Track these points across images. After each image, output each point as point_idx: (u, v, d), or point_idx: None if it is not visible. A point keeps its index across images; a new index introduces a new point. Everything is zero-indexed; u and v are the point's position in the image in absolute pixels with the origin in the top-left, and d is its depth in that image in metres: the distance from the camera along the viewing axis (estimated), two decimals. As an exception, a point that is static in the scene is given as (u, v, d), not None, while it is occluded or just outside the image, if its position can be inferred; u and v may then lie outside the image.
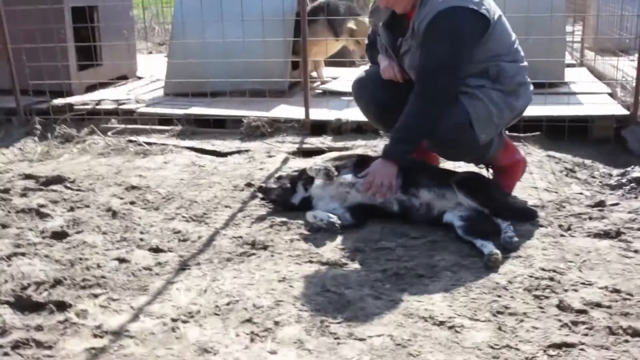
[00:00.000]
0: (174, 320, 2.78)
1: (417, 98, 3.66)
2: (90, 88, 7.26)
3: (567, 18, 7.17)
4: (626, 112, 5.56)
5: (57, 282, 3.12)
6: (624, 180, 4.47)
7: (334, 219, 3.69)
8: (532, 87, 3.92)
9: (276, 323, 2.72)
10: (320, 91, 6.88)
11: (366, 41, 4.42)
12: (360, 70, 4.55)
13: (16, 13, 6.44)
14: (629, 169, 4.61)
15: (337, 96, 6.52)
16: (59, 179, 4.64)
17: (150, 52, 11.48)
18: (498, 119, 3.74)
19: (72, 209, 4.12)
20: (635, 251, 3.35)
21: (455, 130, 3.67)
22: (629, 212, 3.88)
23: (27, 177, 4.77)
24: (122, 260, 3.38)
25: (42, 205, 4.13)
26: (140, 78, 8.12)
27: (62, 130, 6.04)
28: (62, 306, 2.91)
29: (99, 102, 6.68)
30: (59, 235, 3.72)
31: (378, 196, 3.68)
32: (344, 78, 7.20)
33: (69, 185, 4.57)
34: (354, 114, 5.46)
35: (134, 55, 8.39)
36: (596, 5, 8.28)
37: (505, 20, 3.80)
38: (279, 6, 6.42)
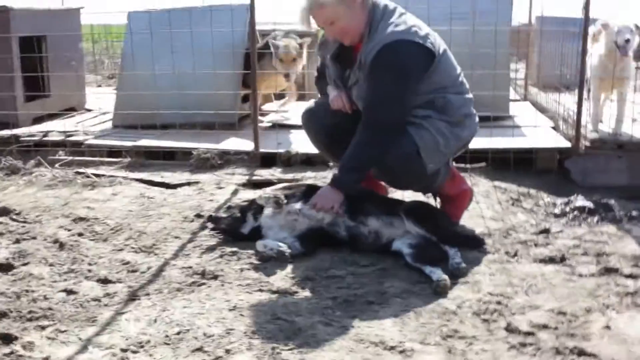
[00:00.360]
0: (123, 350, 2.73)
1: (364, 128, 3.73)
2: (38, 120, 7.16)
3: (510, 55, 7.37)
4: (568, 145, 5.73)
5: (3, 315, 3.04)
6: (567, 209, 4.59)
7: (284, 247, 3.70)
8: (477, 119, 4.02)
9: (227, 351, 2.70)
10: (269, 124, 6.91)
11: (315, 73, 4.48)
12: (309, 103, 4.61)
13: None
14: (572, 198, 4.74)
15: (286, 129, 6.57)
16: (4, 211, 4.54)
17: (100, 85, 11.40)
18: (445, 148, 3.82)
19: (17, 241, 4.04)
20: (580, 275, 3.44)
21: (403, 159, 3.74)
22: (573, 239, 3.99)
23: (-28, 209, 4.67)
24: (69, 292, 3.32)
25: (-14, 238, 4.05)
26: (89, 110, 8.05)
27: (7, 162, 5.92)
28: (7, 338, 2.83)
29: (46, 134, 6.60)
30: (5, 268, 3.63)
31: (322, 213, 3.73)
32: (292, 111, 7.26)
33: (14, 217, 4.48)
34: (303, 146, 5.51)
35: (83, 87, 8.33)
36: (538, 43, 8.55)
37: (450, 54, 3.90)
38: (229, 39, 6.47)
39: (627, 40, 5.57)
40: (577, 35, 6.08)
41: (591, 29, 5.82)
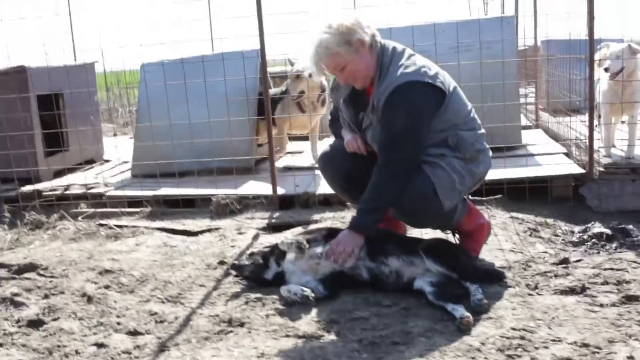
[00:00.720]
0: (157, 402, 2.80)
1: (381, 169, 3.81)
2: (58, 173, 7.31)
3: (519, 83, 7.45)
4: (582, 171, 5.78)
5: (36, 372, 3.13)
6: (585, 237, 4.63)
7: (308, 292, 3.76)
8: (490, 153, 4.09)
9: (258, 399, 2.76)
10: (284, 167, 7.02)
11: (329, 116, 4.57)
12: (325, 145, 4.70)
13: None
14: (589, 225, 4.79)
15: (303, 170, 6.66)
16: (31, 267, 4.63)
17: (115, 134, 11.58)
18: (460, 185, 3.89)
19: (46, 296, 4.12)
20: (601, 305, 3.47)
21: (420, 199, 3.81)
22: (592, 267, 4.02)
23: (-1, 266, 4.77)
24: (100, 345, 3.39)
25: (15, 294, 4.11)
26: (107, 161, 8.20)
27: (31, 217, 6.04)
28: (42, 396, 2.92)
29: (67, 187, 6.73)
30: (35, 324, 3.71)
31: (340, 262, 3.79)
32: (307, 152, 7.36)
33: (41, 272, 4.57)
34: (321, 187, 5.60)
35: (100, 139, 8.48)
36: (546, 69, 8.63)
37: (460, 90, 3.99)
38: (242, 86, 6.60)
39: (606, 69, 5.83)
40: (583, 60, 6.16)
41: (597, 54, 5.91)
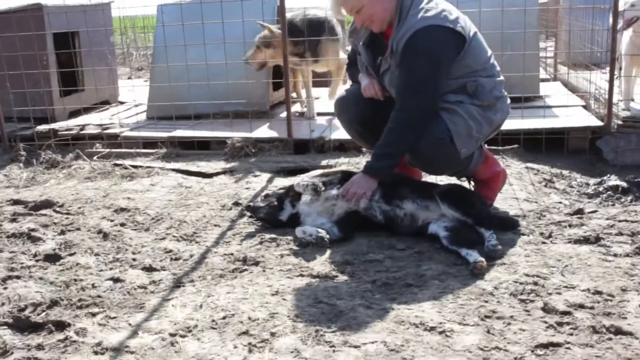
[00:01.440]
0: (172, 335, 2.84)
1: (397, 115, 3.79)
2: (74, 114, 7.33)
3: (539, 34, 7.35)
4: (600, 123, 5.74)
5: (54, 303, 3.16)
6: (600, 189, 4.62)
7: (323, 233, 3.78)
8: (509, 101, 4.05)
9: (272, 334, 2.79)
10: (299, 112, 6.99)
11: (346, 61, 4.54)
12: (341, 91, 4.67)
13: (-1, 40, 6.52)
14: (605, 177, 4.77)
15: (318, 115, 6.64)
16: (47, 204, 4.68)
17: (130, 77, 11.55)
18: (477, 133, 3.86)
19: (62, 232, 4.17)
20: (615, 255, 3.48)
21: (436, 145, 3.79)
22: (607, 219, 4.01)
23: (15, 202, 4.82)
24: (116, 280, 3.44)
25: (32, 230, 4.17)
26: (122, 103, 8.19)
27: (47, 155, 6.08)
28: (61, 325, 2.96)
29: (83, 127, 6.76)
30: (52, 258, 3.76)
31: (353, 202, 3.81)
32: (324, 98, 7.33)
33: (57, 209, 4.62)
34: (336, 132, 5.59)
35: (116, 80, 8.48)
36: (568, 21, 8.50)
37: (481, 37, 3.93)
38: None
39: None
40: (606, 12, 6.06)
41: (621, 4, 5.80)
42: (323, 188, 3.92)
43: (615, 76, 5.76)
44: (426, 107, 3.78)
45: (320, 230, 3.79)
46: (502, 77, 4.00)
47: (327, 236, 3.77)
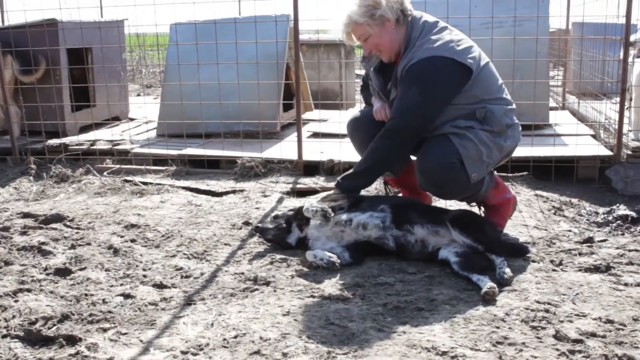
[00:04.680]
0: (183, 352, 2.83)
1: (381, 136, 3.95)
2: (84, 129, 7.36)
3: (549, 63, 7.40)
4: (610, 153, 5.76)
5: (65, 317, 3.16)
6: (610, 218, 4.63)
7: (334, 258, 3.76)
8: (520, 128, 4.08)
9: (284, 354, 2.79)
10: (310, 133, 7.02)
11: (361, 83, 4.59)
12: (351, 112, 4.71)
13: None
14: (614, 207, 4.78)
15: (328, 137, 6.66)
16: (58, 218, 4.70)
17: (139, 94, 11.62)
18: (488, 158, 3.89)
19: (73, 247, 4.18)
20: (625, 284, 3.48)
21: (447, 169, 3.82)
22: (617, 248, 4.02)
23: (26, 215, 4.84)
24: (127, 296, 3.44)
25: (43, 243, 4.18)
26: (132, 119, 8.24)
27: (57, 169, 6.11)
28: (72, 340, 2.95)
29: (93, 143, 6.79)
30: (63, 272, 3.77)
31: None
32: (332, 120, 7.35)
33: (68, 223, 4.64)
34: (346, 154, 5.60)
35: (127, 97, 8.53)
36: (577, 50, 8.55)
37: (492, 66, 3.97)
38: (273, 50, 6.59)
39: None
40: (617, 43, 6.10)
41: (633, 37, 5.85)
42: (332, 214, 3.90)
43: (625, 106, 5.79)
44: (410, 133, 3.92)
45: (332, 255, 3.78)
46: (513, 106, 4.03)
47: (339, 261, 3.76)
